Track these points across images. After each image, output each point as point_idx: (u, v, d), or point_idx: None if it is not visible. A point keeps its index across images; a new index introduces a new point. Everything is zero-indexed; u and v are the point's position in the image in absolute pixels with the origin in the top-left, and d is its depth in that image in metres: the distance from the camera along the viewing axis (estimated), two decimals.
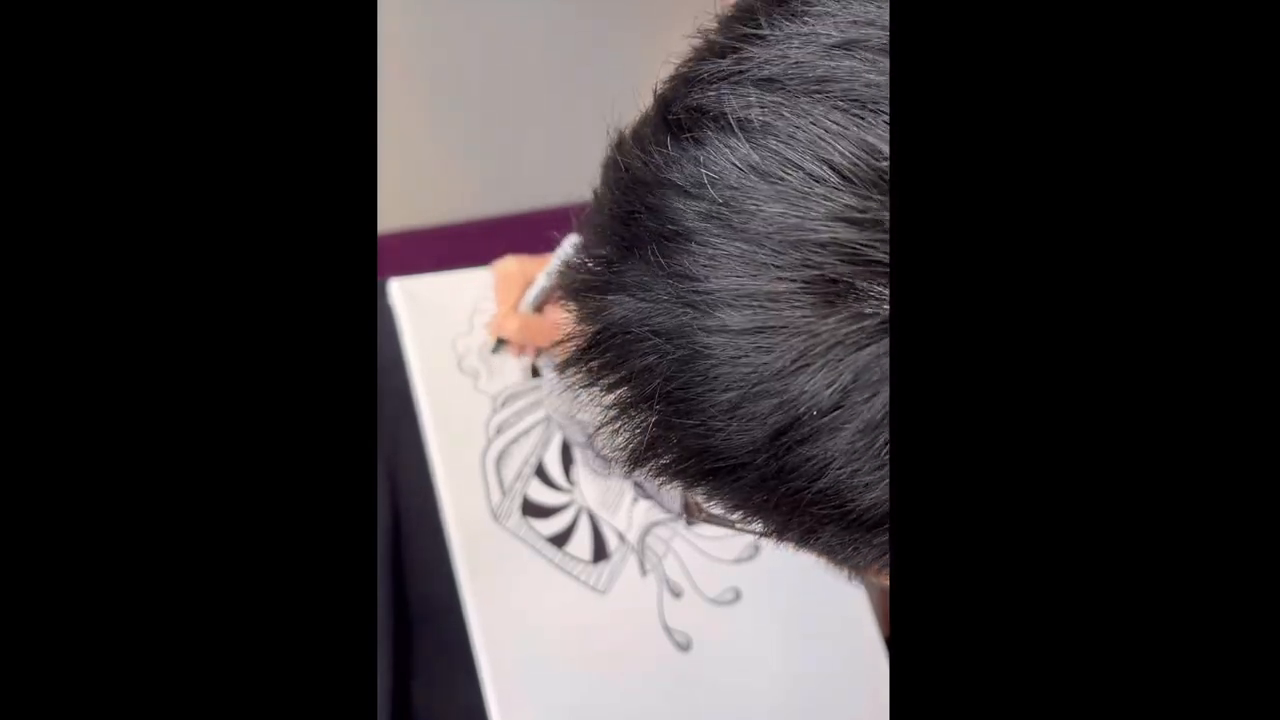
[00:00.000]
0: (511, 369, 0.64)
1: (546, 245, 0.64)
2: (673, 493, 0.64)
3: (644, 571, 0.62)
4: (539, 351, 0.65)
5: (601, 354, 0.32)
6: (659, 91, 0.32)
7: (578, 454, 0.64)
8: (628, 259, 0.30)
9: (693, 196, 0.29)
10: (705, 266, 0.28)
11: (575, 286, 0.33)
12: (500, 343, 0.64)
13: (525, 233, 0.67)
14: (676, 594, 0.63)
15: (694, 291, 0.29)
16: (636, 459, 0.33)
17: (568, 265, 0.34)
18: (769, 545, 0.65)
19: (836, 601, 0.66)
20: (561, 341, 0.34)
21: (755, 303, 0.28)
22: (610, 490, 0.64)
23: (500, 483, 0.61)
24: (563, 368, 0.34)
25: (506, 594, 0.59)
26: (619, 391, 0.32)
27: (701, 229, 0.29)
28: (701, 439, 0.30)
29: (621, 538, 0.63)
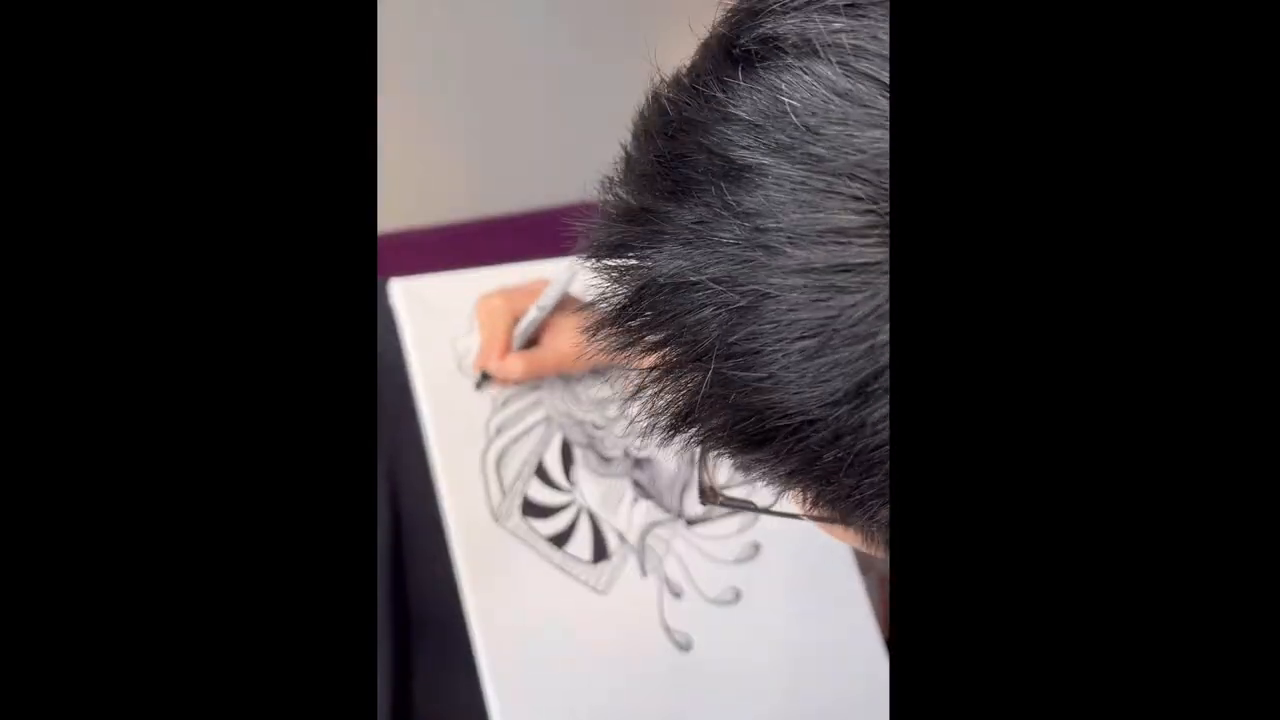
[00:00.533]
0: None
1: (546, 246, 0.64)
2: (683, 500, 0.64)
3: (644, 572, 0.62)
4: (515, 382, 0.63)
5: (645, 311, 0.30)
6: (712, 31, 0.30)
7: (578, 454, 0.64)
8: (682, 204, 0.28)
9: (763, 130, 0.27)
10: (781, 202, 0.26)
11: (605, 245, 0.31)
12: (485, 377, 0.63)
13: (526, 232, 0.67)
14: (676, 594, 0.63)
15: (765, 230, 0.27)
16: (681, 423, 0.31)
17: (593, 226, 0.32)
18: (769, 546, 0.65)
19: (836, 602, 0.66)
20: (591, 304, 0.32)
21: (842, 239, 0.26)
22: (610, 490, 0.64)
23: (500, 483, 0.61)
24: (594, 330, 0.32)
25: (507, 594, 0.59)
26: (665, 350, 0.30)
27: (774, 163, 0.27)
28: (765, 394, 0.28)
29: (622, 538, 0.63)
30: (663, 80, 0.31)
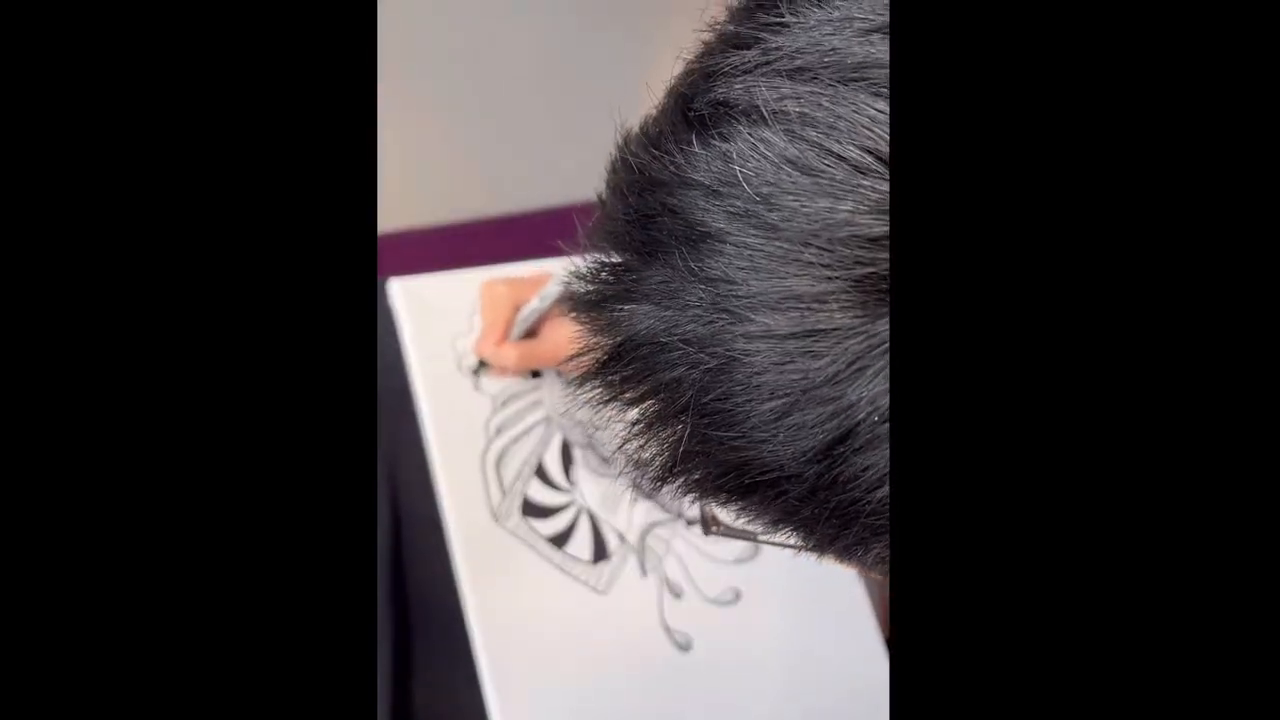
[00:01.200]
0: None
1: (546, 246, 0.64)
2: (682, 501, 0.64)
3: (644, 572, 0.62)
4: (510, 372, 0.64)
5: (624, 367, 0.30)
6: (673, 87, 0.31)
7: (578, 454, 0.64)
8: (649, 265, 0.29)
9: (721, 195, 0.27)
10: (741, 269, 0.27)
11: (590, 298, 0.31)
12: (483, 364, 0.63)
13: (526, 232, 0.67)
14: (676, 594, 0.63)
15: (728, 296, 0.27)
16: (666, 475, 0.31)
17: (578, 276, 0.32)
18: (769, 546, 0.65)
19: (836, 602, 0.66)
20: (577, 355, 0.32)
21: (801, 304, 0.26)
22: (610, 490, 0.64)
23: (500, 483, 0.61)
24: (581, 382, 0.32)
25: (506, 594, 0.59)
26: (645, 405, 0.30)
27: (733, 230, 0.27)
28: (741, 452, 0.28)
29: (621, 538, 0.63)
30: (629, 135, 0.31)
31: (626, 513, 0.64)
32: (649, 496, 0.64)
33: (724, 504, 0.31)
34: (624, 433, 0.31)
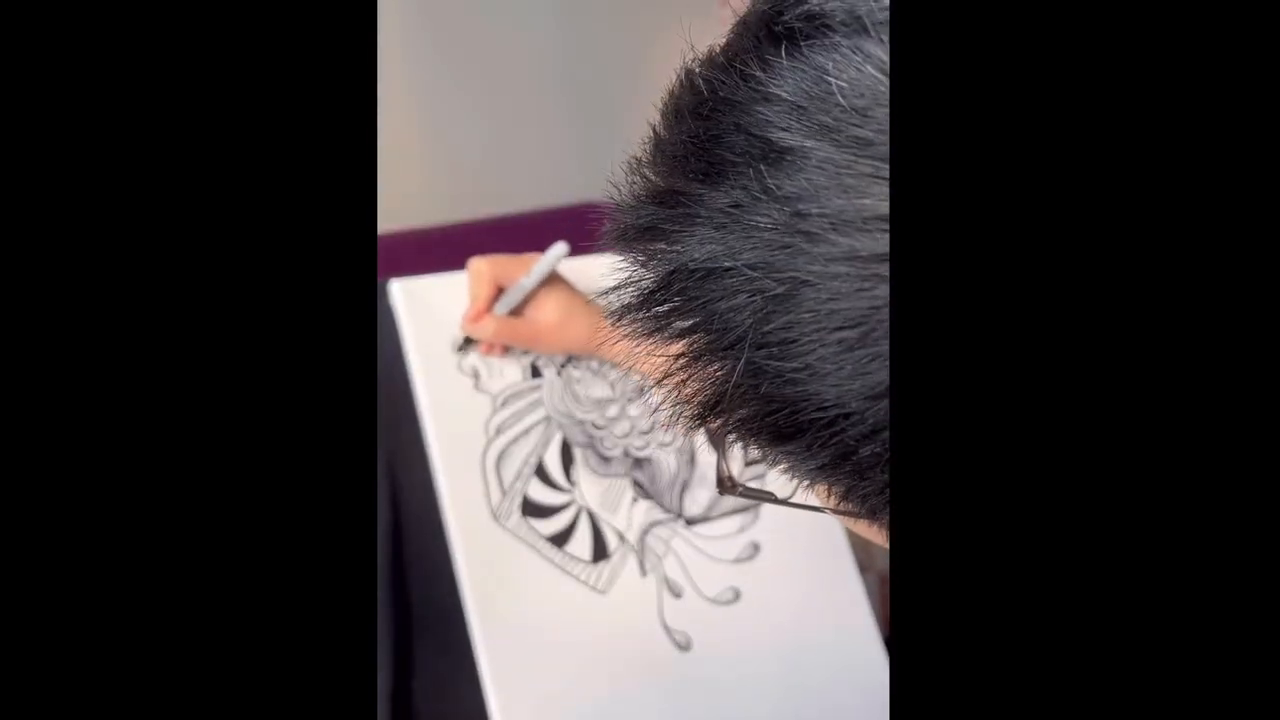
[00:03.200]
0: (511, 369, 0.64)
1: (545, 246, 0.64)
2: (683, 500, 0.64)
3: (644, 571, 0.62)
4: (506, 350, 0.64)
5: (674, 296, 0.29)
6: (749, 11, 0.29)
7: (578, 454, 0.64)
8: (715, 188, 0.27)
9: (806, 111, 0.26)
10: (824, 187, 0.25)
11: (637, 225, 0.30)
12: (469, 341, 0.63)
13: (526, 233, 0.68)
14: (676, 594, 0.63)
15: (807, 215, 0.25)
16: (708, 413, 0.30)
17: (619, 208, 0.30)
18: (769, 546, 0.65)
19: (836, 601, 0.66)
20: (614, 289, 0.30)
21: (888, 226, 0.24)
22: (610, 490, 0.64)
23: (500, 483, 0.61)
24: (620, 315, 0.31)
25: (506, 594, 0.59)
26: (693, 337, 0.29)
27: (818, 146, 0.25)
28: (799, 386, 0.26)
29: (621, 537, 0.63)
30: (696, 58, 0.30)
31: (626, 512, 0.64)
32: (648, 495, 0.64)
33: (765, 447, 0.30)
34: (664, 368, 0.30)
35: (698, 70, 0.29)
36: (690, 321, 0.28)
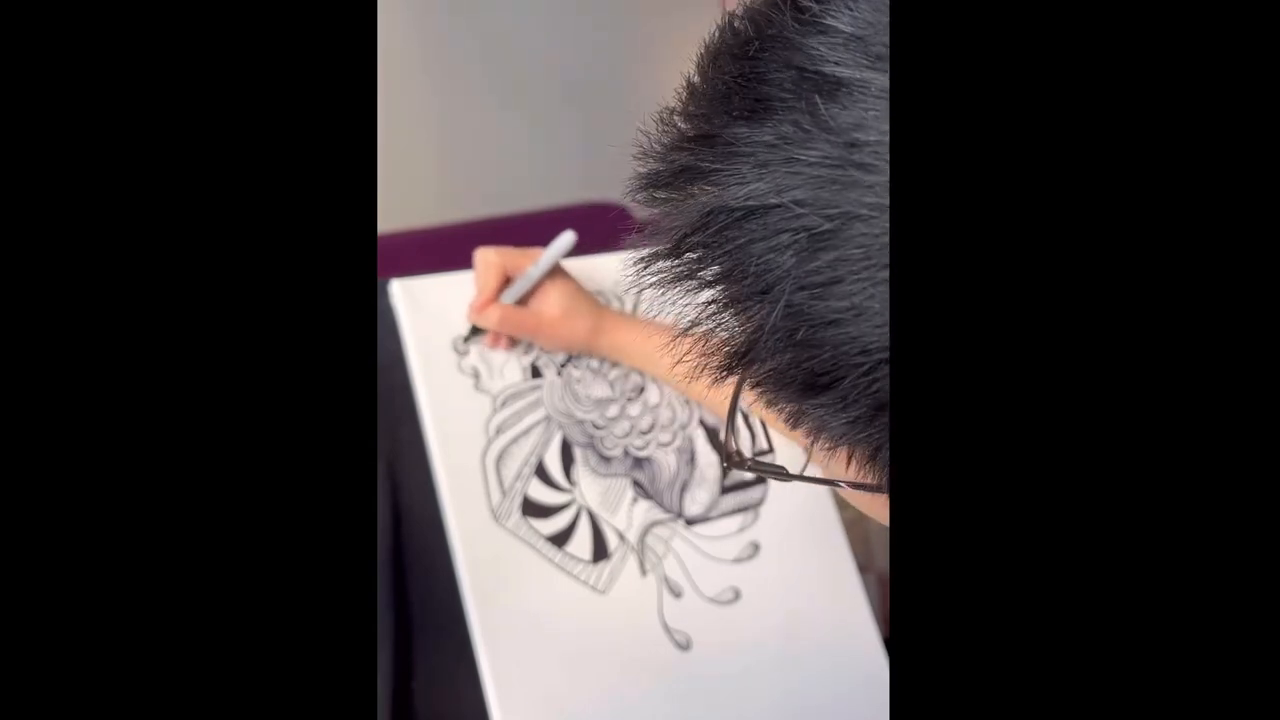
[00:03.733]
0: (511, 369, 0.64)
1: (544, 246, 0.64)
2: (683, 500, 0.64)
3: (644, 571, 0.63)
4: (513, 342, 0.64)
5: (709, 239, 0.27)
6: None
7: (578, 453, 0.64)
8: (760, 124, 0.26)
9: (864, 40, 0.25)
10: (879, 118, 0.24)
11: (665, 172, 0.28)
12: (475, 331, 0.64)
13: (526, 233, 0.68)
14: (676, 594, 0.63)
15: (861, 145, 0.24)
16: (736, 362, 0.29)
17: (646, 154, 0.29)
18: (769, 545, 0.65)
19: (835, 601, 0.66)
20: (642, 232, 0.29)
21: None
22: (610, 490, 0.64)
23: (500, 482, 0.61)
24: (648, 261, 0.29)
25: (507, 593, 0.59)
26: (726, 284, 0.28)
27: (874, 77, 0.24)
28: (843, 327, 0.25)
29: (621, 537, 0.63)
30: (734, 9, 0.29)
31: (626, 512, 0.64)
32: (648, 495, 0.64)
33: (794, 401, 0.29)
34: (691, 316, 0.29)
35: (740, 13, 0.29)
36: (726, 265, 0.27)
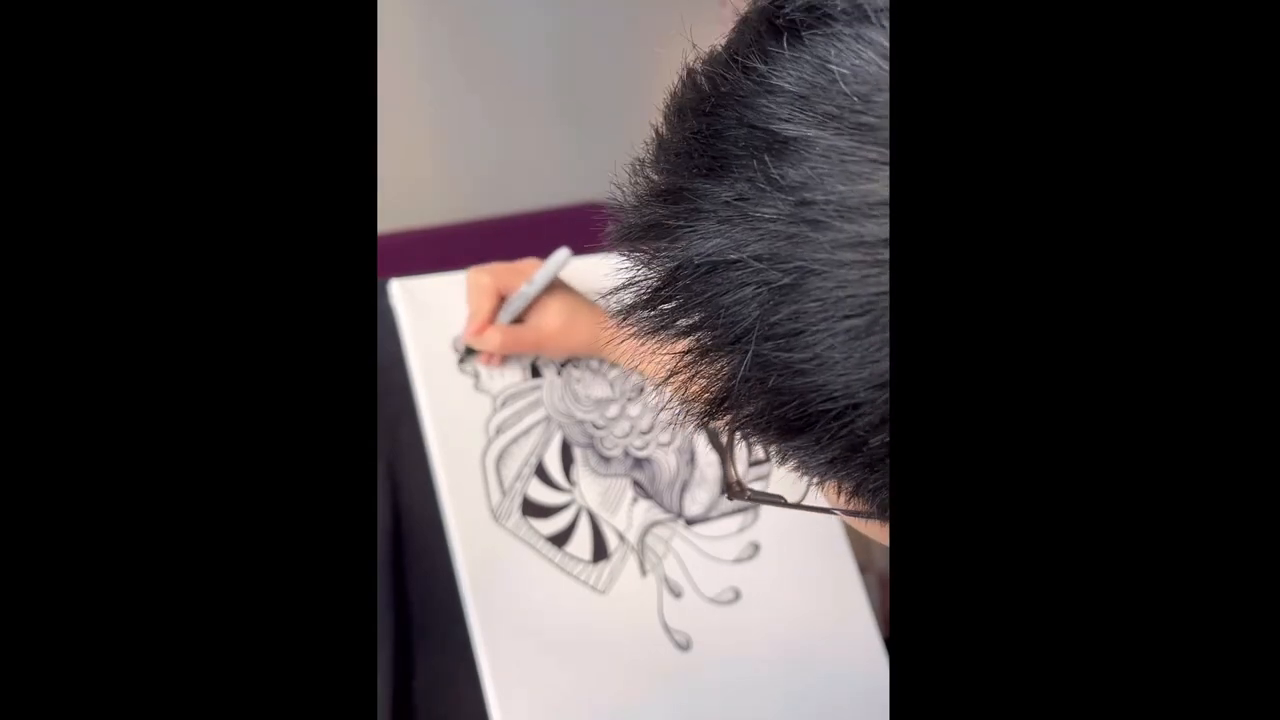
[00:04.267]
0: (511, 369, 0.64)
1: (545, 247, 0.64)
2: (683, 500, 0.64)
3: (644, 571, 0.63)
4: (506, 359, 0.64)
5: (679, 292, 0.29)
6: (750, 9, 0.29)
7: (578, 453, 0.64)
8: (719, 182, 0.27)
9: (809, 100, 0.26)
10: (828, 175, 0.25)
11: (639, 224, 0.30)
12: (470, 352, 0.63)
13: (527, 233, 0.68)
14: (676, 594, 0.63)
15: (812, 203, 0.25)
16: (715, 410, 0.30)
17: (621, 208, 0.31)
18: (769, 546, 0.65)
19: (835, 601, 0.66)
20: (618, 289, 0.31)
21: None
22: (610, 490, 0.64)
23: (500, 483, 0.62)
24: (625, 314, 0.31)
25: (507, 593, 0.59)
26: (699, 334, 0.29)
27: (821, 134, 0.25)
28: (808, 376, 0.26)
29: (621, 537, 0.63)
30: (698, 57, 0.30)
31: (626, 512, 0.64)
32: (648, 495, 0.64)
33: (774, 443, 0.30)
34: (670, 366, 0.30)
35: (699, 69, 0.30)
36: (695, 318, 0.29)
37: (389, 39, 2.10)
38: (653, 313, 0.30)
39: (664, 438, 0.67)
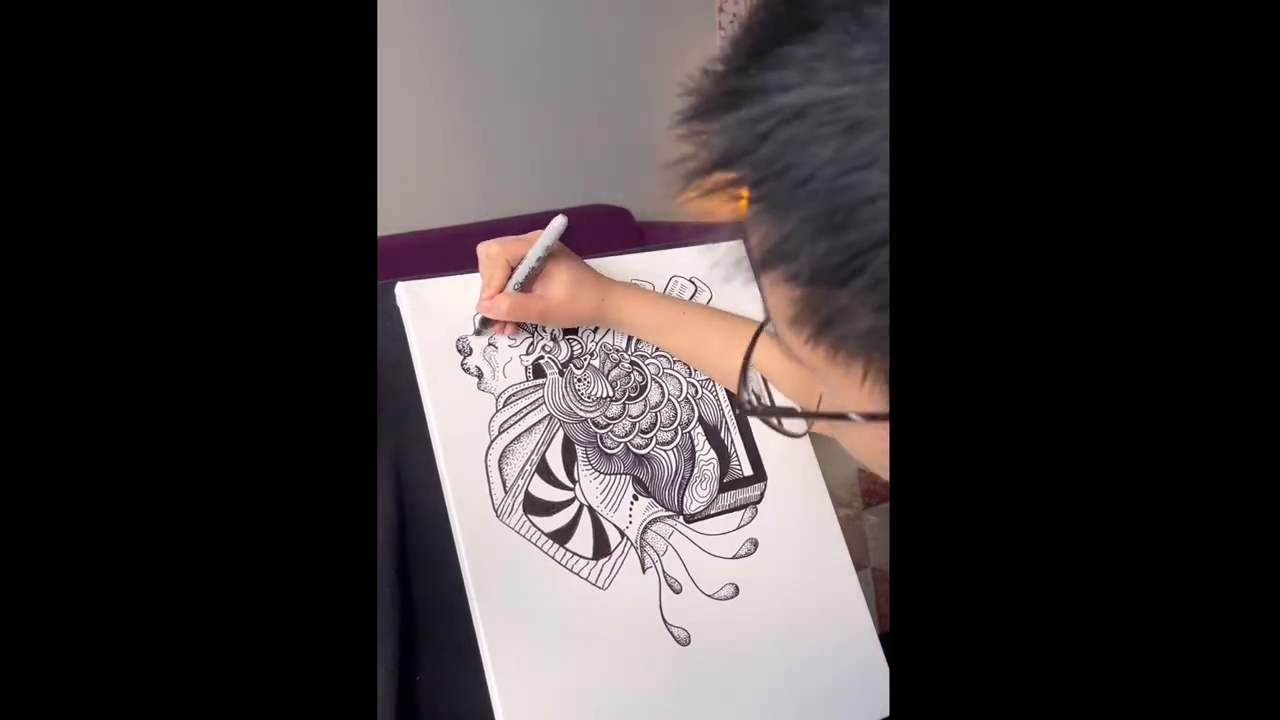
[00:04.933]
0: (514, 368, 0.65)
1: None
2: (682, 498, 0.65)
3: (644, 568, 0.63)
4: (518, 327, 0.66)
5: (754, 147, 0.28)
6: None
7: (579, 451, 0.65)
8: (809, 40, 0.27)
9: None
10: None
11: (715, 96, 0.29)
12: (486, 323, 0.65)
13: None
14: (676, 590, 0.63)
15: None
16: (773, 259, 0.29)
17: (690, 89, 0.30)
18: (767, 542, 0.66)
19: (833, 597, 0.67)
20: (680, 159, 0.30)
21: None
22: (611, 487, 0.65)
23: (503, 480, 0.62)
24: (694, 175, 0.30)
25: (509, 590, 0.59)
26: (767, 186, 0.28)
27: None
28: (876, 204, 0.26)
29: (622, 534, 0.64)
30: None
31: (627, 509, 0.64)
32: (649, 494, 0.65)
33: (822, 302, 0.29)
34: (727, 209, 0.29)
35: None
36: (768, 170, 0.28)
37: (396, 49, 2.11)
38: (723, 174, 0.29)
39: (665, 436, 0.67)
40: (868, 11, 0.26)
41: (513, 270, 0.64)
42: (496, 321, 0.65)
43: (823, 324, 0.30)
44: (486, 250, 0.64)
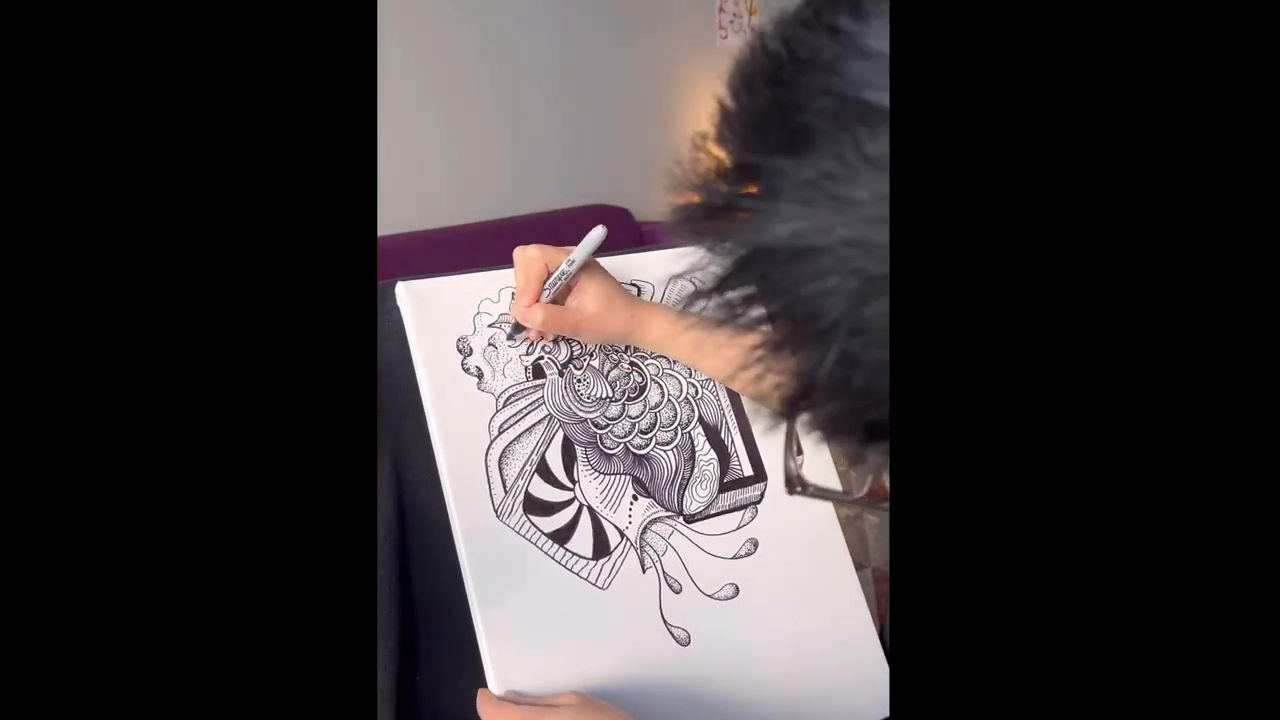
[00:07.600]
0: (514, 369, 0.65)
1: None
2: (682, 497, 0.65)
3: (644, 568, 0.63)
4: (542, 337, 0.66)
5: (753, 280, 0.26)
6: None
7: (579, 451, 0.65)
8: (800, 157, 0.24)
9: None
10: None
11: (703, 208, 0.27)
12: (519, 329, 0.65)
13: (530, 236, 0.68)
14: (676, 590, 0.63)
15: None
16: (792, 409, 0.27)
17: (685, 186, 0.28)
18: (767, 542, 0.66)
19: (833, 597, 0.67)
20: (682, 274, 0.28)
21: None
22: (611, 487, 0.65)
23: (503, 481, 0.62)
24: (689, 302, 0.28)
25: (509, 589, 0.59)
26: (778, 325, 0.26)
27: None
28: None
29: (622, 534, 0.64)
30: (764, 26, 0.27)
31: (627, 509, 0.64)
32: (648, 494, 0.65)
33: (858, 445, 0.27)
34: (738, 361, 0.27)
35: (771, 31, 0.27)
36: (772, 308, 0.26)
37: (398, 50, 2.11)
38: (722, 301, 0.27)
39: (665, 436, 0.67)
40: (867, 144, 0.23)
41: (548, 276, 0.64)
42: (529, 329, 0.65)
43: (853, 459, 0.27)
44: (525, 253, 0.64)
